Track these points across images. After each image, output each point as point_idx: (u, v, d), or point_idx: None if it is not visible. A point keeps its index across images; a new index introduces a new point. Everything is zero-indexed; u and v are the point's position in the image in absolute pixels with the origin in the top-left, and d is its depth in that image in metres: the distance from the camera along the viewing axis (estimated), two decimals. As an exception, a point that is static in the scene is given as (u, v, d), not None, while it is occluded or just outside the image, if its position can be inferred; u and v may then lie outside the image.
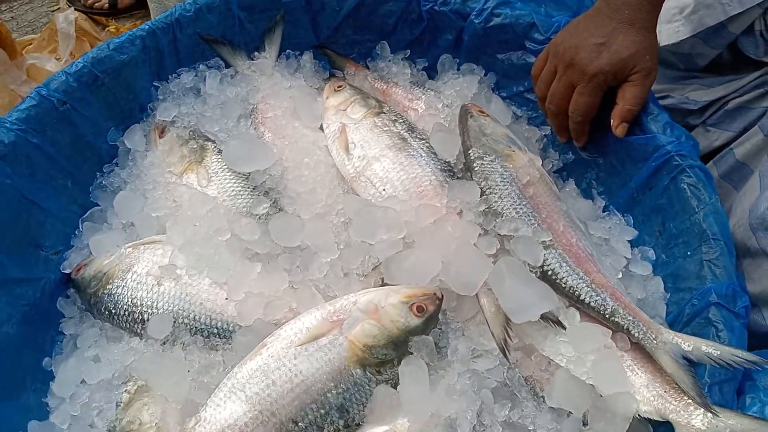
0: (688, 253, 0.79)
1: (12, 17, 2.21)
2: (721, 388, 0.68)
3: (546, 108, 0.91)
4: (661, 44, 1.03)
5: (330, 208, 0.89)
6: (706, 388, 0.68)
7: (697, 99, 1.06)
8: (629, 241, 0.88)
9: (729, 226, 0.79)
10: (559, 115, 0.90)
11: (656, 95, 1.07)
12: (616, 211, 0.91)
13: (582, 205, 0.93)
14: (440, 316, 0.79)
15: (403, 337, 0.76)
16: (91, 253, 0.93)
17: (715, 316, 0.72)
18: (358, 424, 0.75)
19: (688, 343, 0.70)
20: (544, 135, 0.99)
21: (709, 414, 0.65)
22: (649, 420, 0.70)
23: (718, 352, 0.68)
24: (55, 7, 2.18)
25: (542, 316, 0.75)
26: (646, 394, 0.70)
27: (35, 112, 0.91)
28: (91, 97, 0.97)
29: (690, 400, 0.67)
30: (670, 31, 1.02)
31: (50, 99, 0.93)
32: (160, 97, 1.03)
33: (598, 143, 0.94)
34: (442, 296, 0.78)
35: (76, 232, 0.97)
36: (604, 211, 0.93)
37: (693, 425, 0.65)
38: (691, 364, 0.70)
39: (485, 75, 1.03)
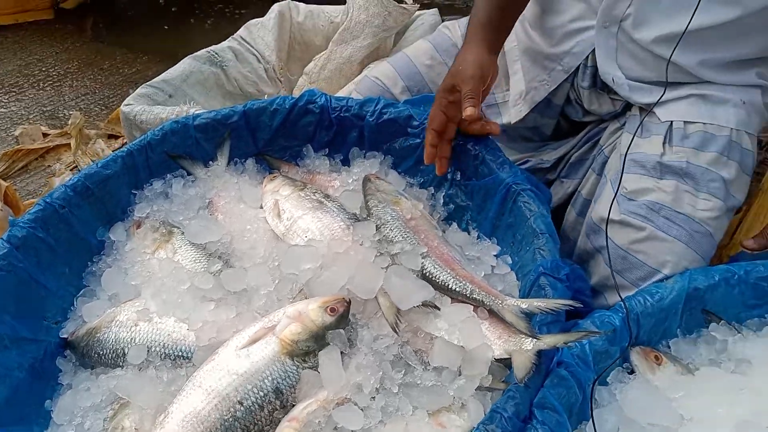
0: (528, 248, 1.07)
1: (15, 189, 2.58)
2: (549, 328, 0.93)
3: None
4: (512, 123, 1.37)
5: (267, 257, 1.16)
6: (537, 327, 0.92)
7: (549, 159, 1.38)
8: (495, 255, 1.15)
9: (552, 225, 1.07)
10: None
11: (518, 161, 1.41)
12: (485, 237, 1.19)
13: (461, 237, 1.21)
14: (350, 317, 1.04)
15: (322, 332, 1.00)
16: (84, 322, 1.19)
17: (543, 282, 0.98)
18: (292, 405, 0.97)
19: (524, 303, 0.96)
20: (432, 194, 1.30)
21: (534, 338, 0.89)
22: (502, 361, 0.93)
23: (544, 304, 0.93)
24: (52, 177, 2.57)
25: (423, 303, 1.00)
26: (498, 342, 0.94)
27: (42, 215, 1.21)
28: (84, 203, 1.26)
29: (524, 336, 0.91)
30: (515, 111, 1.36)
31: (53, 205, 1.22)
32: (137, 201, 1.33)
33: (467, 193, 1.24)
34: (350, 300, 1.03)
35: (72, 307, 1.22)
36: (477, 239, 1.21)
37: (523, 348, 0.89)
38: (528, 317, 0.95)
39: (384, 157, 1.36)
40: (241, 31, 2.02)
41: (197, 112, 1.52)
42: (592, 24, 1.21)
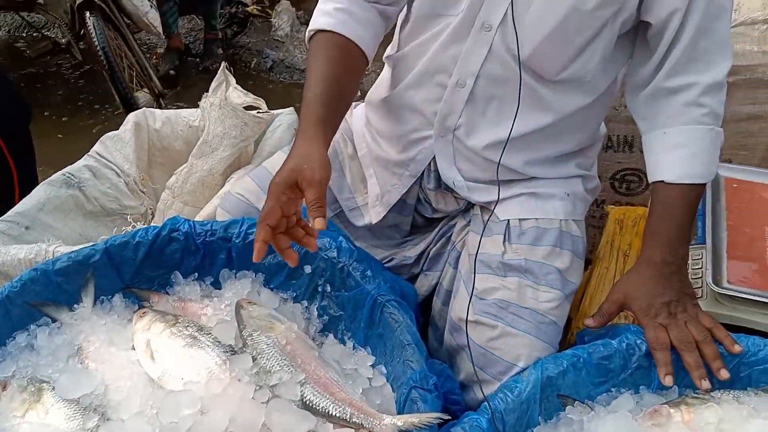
0: (398, 359, 1.14)
1: None
2: (425, 441, 0.99)
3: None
4: (373, 223, 1.46)
5: (145, 405, 1.15)
6: (414, 442, 0.99)
7: (411, 255, 1.47)
8: (371, 365, 1.21)
9: (418, 333, 1.15)
10: None
11: (384, 259, 1.49)
12: (360, 347, 1.25)
13: (338, 350, 1.26)
14: (237, 458, 1.05)
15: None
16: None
17: (414, 396, 1.04)
18: None
19: (399, 420, 1.02)
20: (306, 308, 1.34)
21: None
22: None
23: (417, 419, 1.00)
24: None
25: (305, 434, 1.04)
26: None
27: None
28: (-63, 374, 1.20)
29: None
30: (375, 213, 1.44)
31: None
32: (0, 360, 1.28)
33: (338, 303, 1.30)
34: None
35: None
36: (353, 349, 1.26)
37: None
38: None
39: (255, 275, 1.39)
40: (97, 147, 1.98)
41: (57, 253, 1.48)
42: (430, 133, 1.32)
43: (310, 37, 1.28)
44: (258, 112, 1.80)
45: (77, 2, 2.87)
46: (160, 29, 2.46)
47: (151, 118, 2.06)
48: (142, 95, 2.92)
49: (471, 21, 1.17)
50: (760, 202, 1.48)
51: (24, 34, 4.60)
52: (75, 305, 1.34)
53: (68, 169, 1.90)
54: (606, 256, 1.57)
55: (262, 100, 1.92)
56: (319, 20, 1.26)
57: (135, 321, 1.31)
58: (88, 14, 2.77)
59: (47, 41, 4.19)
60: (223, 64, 2.00)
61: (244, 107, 1.81)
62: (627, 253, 1.56)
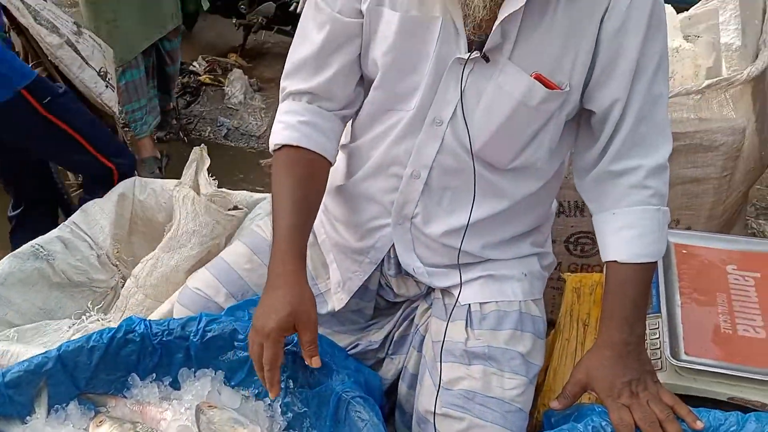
0: (366, 460, 1.11)
1: None
2: None
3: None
4: (336, 310, 1.44)
5: None
6: None
7: (376, 339, 1.46)
8: (339, 464, 1.18)
9: (386, 430, 1.13)
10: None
11: (348, 346, 1.47)
12: (327, 445, 1.22)
13: (304, 449, 1.23)
14: None
15: None
16: None
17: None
18: None
19: None
20: (269, 405, 1.31)
21: None
22: None
23: None
24: None
25: None
26: None
27: None
28: None
29: None
30: (337, 299, 1.43)
31: None
32: (-55, 484, 1.20)
33: (302, 400, 1.28)
34: None
35: None
36: (320, 448, 1.24)
37: None
38: None
39: (215, 373, 1.36)
40: (76, 216, 2.02)
41: (7, 364, 1.43)
42: (389, 222, 1.33)
43: (275, 149, 1.30)
44: (230, 210, 1.78)
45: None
46: (116, 109, 2.44)
47: (139, 188, 2.08)
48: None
49: (423, 116, 1.20)
50: (710, 267, 1.52)
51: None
52: (28, 417, 1.29)
53: (39, 240, 1.91)
54: (566, 327, 1.58)
55: (232, 194, 1.93)
56: (283, 134, 1.28)
57: (91, 430, 1.26)
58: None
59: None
60: (202, 146, 2.02)
61: (210, 196, 1.80)
62: (586, 323, 1.59)
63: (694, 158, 1.84)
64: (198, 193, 1.87)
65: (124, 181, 2.14)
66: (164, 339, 1.35)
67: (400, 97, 1.22)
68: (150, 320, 1.37)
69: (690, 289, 1.46)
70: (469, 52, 1.14)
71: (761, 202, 3.25)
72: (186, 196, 1.76)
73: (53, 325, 1.80)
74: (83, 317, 1.85)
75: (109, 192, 2.08)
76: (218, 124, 4.13)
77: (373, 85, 1.24)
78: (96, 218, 2.01)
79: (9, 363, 1.47)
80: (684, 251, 1.58)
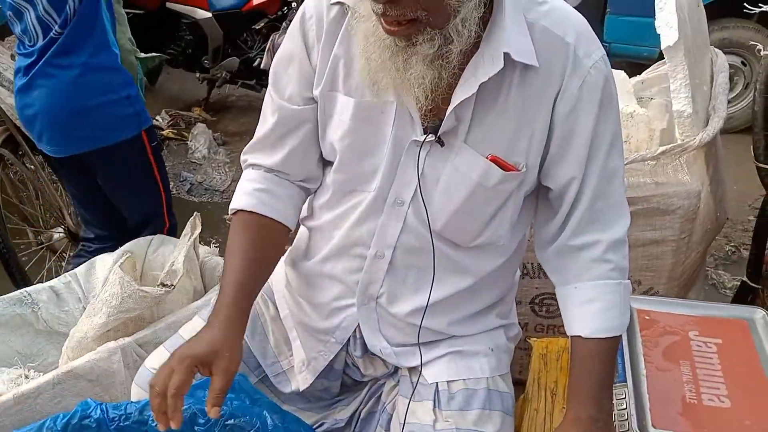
0: None
1: None
2: None
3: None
4: (301, 390, 1.41)
5: None
6: None
7: (342, 417, 1.42)
8: None
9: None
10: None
11: (315, 423, 1.43)
12: None
13: None
14: None
15: None
16: None
17: None
18: None
19: None
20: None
21: None
22: None
23: None
24: None
25: None
26: None
27: None
28: None
29: None
30: (302, 379, 1.39)
31: None
32: None
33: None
34: None
35: None
36: None
37: None
38: None
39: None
40: (84, 267, 1.97)
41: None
42: (353, 302, 1.31)
43: (232, 214, 1.30)
44: (160, 285, 1.73)
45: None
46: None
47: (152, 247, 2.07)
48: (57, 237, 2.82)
49: (384, 197, 1.20)
50: (673, 334, 1.54)
51: None
52: None
53: (29, 288, 1.93)
54: (534, 396, 1.57)
55: (197, 272, 1.92)
56: (240, 200, 1.28)
57: None
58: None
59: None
60: (195, 214, 1.99)
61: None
62: (554, 392, 1.58)
63: (652, 221, 1.88)
64: (198, 258, 1.93)
65: (136, 240, 2.09)
66: (121, 424, 1.29)
67: (360, 178, 1.22)
68: (106, 404, 1.32)
69: (654, 357, 1.47)
70: (424, 135, 1.15)
71: (719, 252, 3.33)
72: (114, 269, 1.73)
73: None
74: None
75: (121, 248, 2.04)
76: (181, 179, 4.09)
77: (333, 167, 1.25)
78: (98, 273, 1.99)
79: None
80: (647, 317, 1.59)
